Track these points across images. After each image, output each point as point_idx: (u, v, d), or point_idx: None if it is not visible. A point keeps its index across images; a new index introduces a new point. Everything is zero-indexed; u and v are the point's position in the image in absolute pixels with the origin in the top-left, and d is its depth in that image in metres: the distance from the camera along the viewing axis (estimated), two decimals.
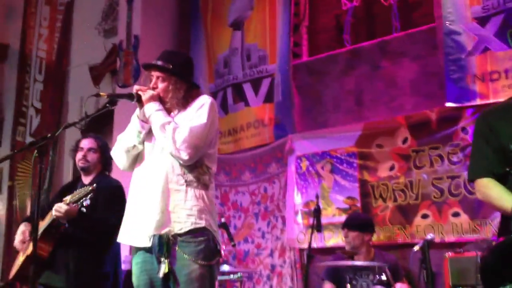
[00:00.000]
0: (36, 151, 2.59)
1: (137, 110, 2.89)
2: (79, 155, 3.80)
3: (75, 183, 3.90)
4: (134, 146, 2.84)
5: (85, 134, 4.18)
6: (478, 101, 4.18)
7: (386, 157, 4.61)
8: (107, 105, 2.74)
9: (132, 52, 5.84)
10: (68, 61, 7.63)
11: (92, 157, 3.81)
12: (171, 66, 2.82)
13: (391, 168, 4.59)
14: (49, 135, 2.64)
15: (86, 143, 3.86)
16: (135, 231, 2.67)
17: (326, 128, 4.96)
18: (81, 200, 3.26)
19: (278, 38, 5.33)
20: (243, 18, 5.66)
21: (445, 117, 4.36)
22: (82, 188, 3.34)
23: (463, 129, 4.27)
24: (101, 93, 2.75)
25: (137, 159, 2.91)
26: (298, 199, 4.97)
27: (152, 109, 2.76)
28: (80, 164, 3.80)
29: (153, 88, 2.82)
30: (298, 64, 5.23)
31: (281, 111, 5.21)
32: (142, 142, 2.86)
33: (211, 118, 2.76)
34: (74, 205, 3.30)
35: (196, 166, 2.74)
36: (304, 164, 5.01)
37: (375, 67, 4.77)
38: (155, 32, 5.79)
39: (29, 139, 8.02)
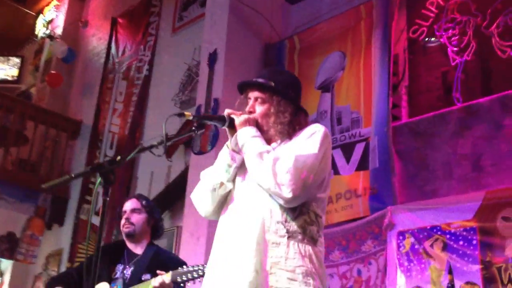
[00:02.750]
0: (100, 178, 1.99)
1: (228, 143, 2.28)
2: (123, 220, 3.28)
3: (121, 248, 3.33)
4: (222, 183, 2.21)
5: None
6: None
7: None
8: (193, 128, 2.17)
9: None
10: (141, 135, 7.28)
11: (136, 218, 3.29)
12: (273, 84, 2.23)
13: None
14: (119, 157, 2.04)
15: (128, 205, 3.35)
16: None
17: (436, 198, 4.17)
18: (182, 282, 2.71)
19: (374, 99, 4.72)
20: (333, 79, 5.13)
21: None
22: (191, 268, 2.81)
23: None
24: (186, 113, 2.17)
25: (224, 202, 2.25)
26: (401, 284, 4.09)
27: (247, 135, 2.15)
28: (124, 229, 3.28)
29: (250, 112, 2.23)
30: (399, 125, 4.56)
31: (378, 180, 4.48)
32: (233, 180, 2.22)
33: (323, 150, 2.10)
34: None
35: (302, 212, 2.07)
36: (408, 241, 4.18)
37: (496, 127, 4.02)
38: (236, 95, 5.31)
39: (94, 218, 7.56)
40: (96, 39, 8.92)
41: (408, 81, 4.71)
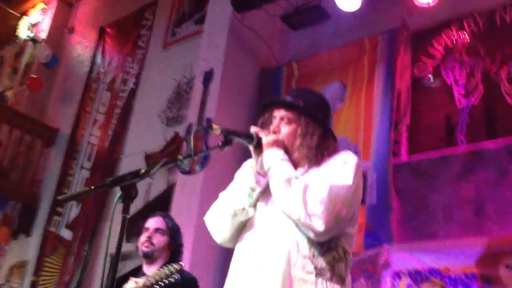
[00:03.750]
0: (121, 192, 1.82)
1: (249, 161, 2.13)
2: (143, 237, 3.09)
3: (136, 274, 3.14)
4: (244, 208, 2.05)
5: (153, 213, 3.44)
6: None
7: None
8: (220, 144, 2.01)
9: (202, 136, 5.17)
10: (122, 149, 7.03)
11: (158, 240, 3.10)
12: (302, 103, 2.09)
13: None
14: (143, 170, 1.87)
15: (152, 222, 3.16)
16: None
17: (434, 240, 4.07)
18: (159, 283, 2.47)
19: (374, 134, 4.64)
20: (332, 109, 5.03)
21: None
22: (165, 268, 2.58)
23: None
24: (214, 126, 2.02)
25: (242, 229, 2.08)
26: None
27: (275, 158, 1.99)
28: (143, 248, 3.08)
29: (274, 132, 2.07)
30: (400, 163, 4.47)
31: (374, 216, 4.37)
32: (255, 205, 2.06)
33: (356, 182, 1.98)
34: None
35: (330, 248, 1.94)
36: (404, 282, 4.06)
37: (502, 173, 3.96)
38: (230, 116, 5.18)
39: (63, 231, 7.25)
40: (82, 47, 8.67)
41: (410, 119, 4.63)
